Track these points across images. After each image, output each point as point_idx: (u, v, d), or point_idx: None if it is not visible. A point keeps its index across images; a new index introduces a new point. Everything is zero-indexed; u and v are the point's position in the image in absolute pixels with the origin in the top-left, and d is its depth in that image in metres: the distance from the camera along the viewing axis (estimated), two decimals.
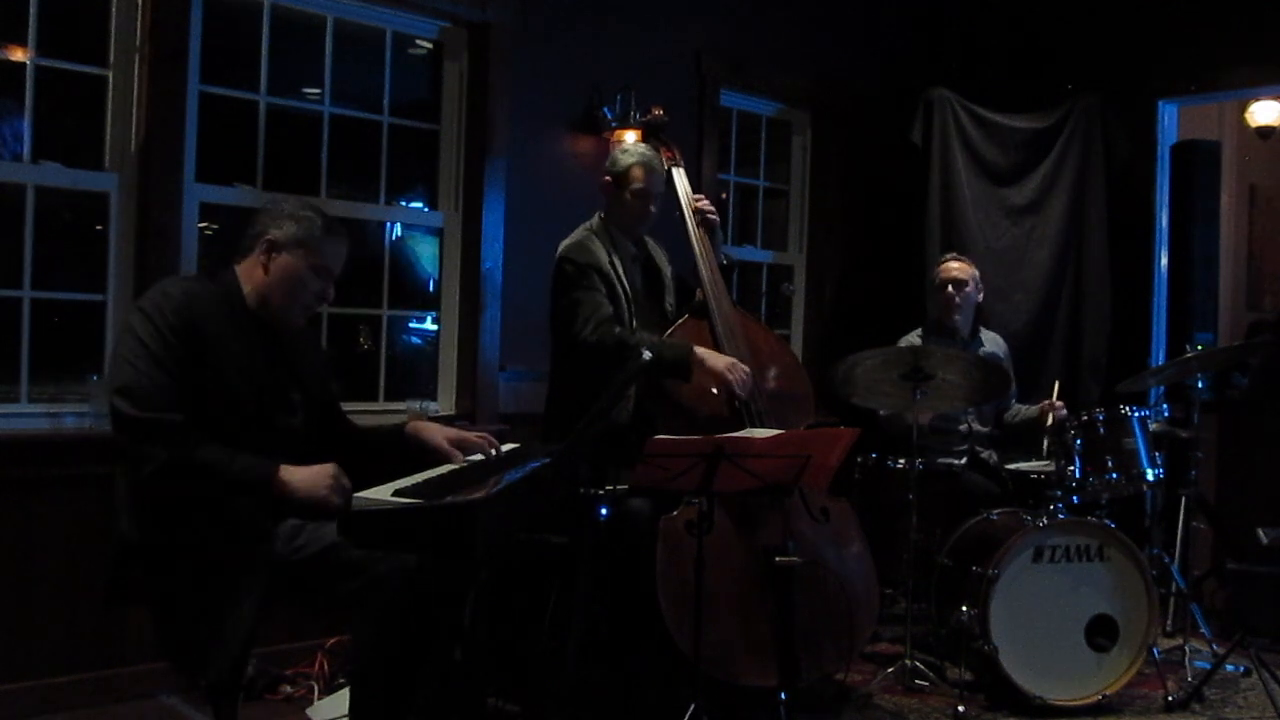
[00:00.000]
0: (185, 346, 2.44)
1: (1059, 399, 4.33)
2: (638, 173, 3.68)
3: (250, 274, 2.62)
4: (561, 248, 3.67)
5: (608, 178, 3.73)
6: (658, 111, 4.10)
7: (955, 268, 4.68)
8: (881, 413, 4.45)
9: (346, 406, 3.02)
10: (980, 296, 4.77)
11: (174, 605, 2.47)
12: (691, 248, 3.84)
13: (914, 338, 4.67)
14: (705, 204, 3.92)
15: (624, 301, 3.64)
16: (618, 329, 3.53)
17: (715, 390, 3.57)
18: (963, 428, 4.58)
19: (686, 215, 3.87)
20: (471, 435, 2.87)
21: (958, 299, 4.62)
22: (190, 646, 2.47)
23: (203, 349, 2.47)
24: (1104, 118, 5.51)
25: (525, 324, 4.34)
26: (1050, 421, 4.19)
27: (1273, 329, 6.06)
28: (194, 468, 2.38)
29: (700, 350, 3.54)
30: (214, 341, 2.49)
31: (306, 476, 2.46)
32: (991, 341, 4.80)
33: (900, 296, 5.65)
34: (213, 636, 2.44)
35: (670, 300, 3.91)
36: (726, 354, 3.61)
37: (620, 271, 3.67)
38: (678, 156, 4.01)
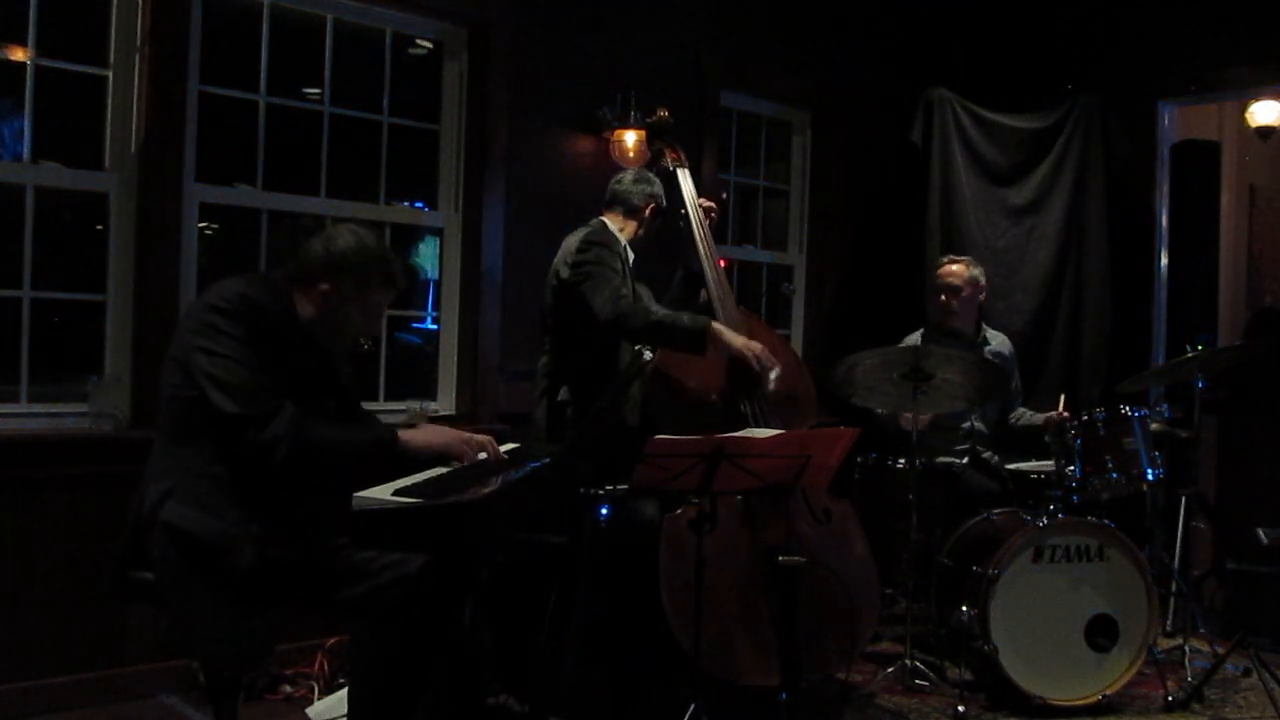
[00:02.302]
0: (264, 350, 2.51)
1: (1066, 410, 4.32)
2: (663, 206, 3.87)
3: (302, 301, 2.66)
4: (581, 235, 3.68)
5: (654, 204, 3.82)
6: (663, 113, 4.08)
7: (953, 271, 4.65)
8: (878, 411, 4.44)
9: None
10: (982, 297, 4.76)
11: (218, 594, 2.46)
12: (696, 249, 3.85)
13: (916, 338, 4.66)
14: (706, 203, 3.96)
15: (632, 288, 3.70)
16: (633, 303, 3.58)
17: (731, 380, 3.58)
18: (966, 425, 4.58)
19: (692, 216, 3.88)
20: (480, 437, 2.88)
21: (954, 304, 4.61)
22: (223, 637, 2.47)
23: (272, 356, 2.53)
24: (1104, 118, 5.50)
25: (525, 323, 4.34)
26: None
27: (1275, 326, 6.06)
28: (318, 443, 2.48)
29: (718, 325, 3.58)
30: (278, 350, 2.55)
31: (426, 436, 2.68)
32: (998, 341, 4.79)
33: (900, 296, 5.64)
34: (250, 628, 2.47)
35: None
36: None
37: (629, 264, 3.73)
38: (683, 158, 4.01)
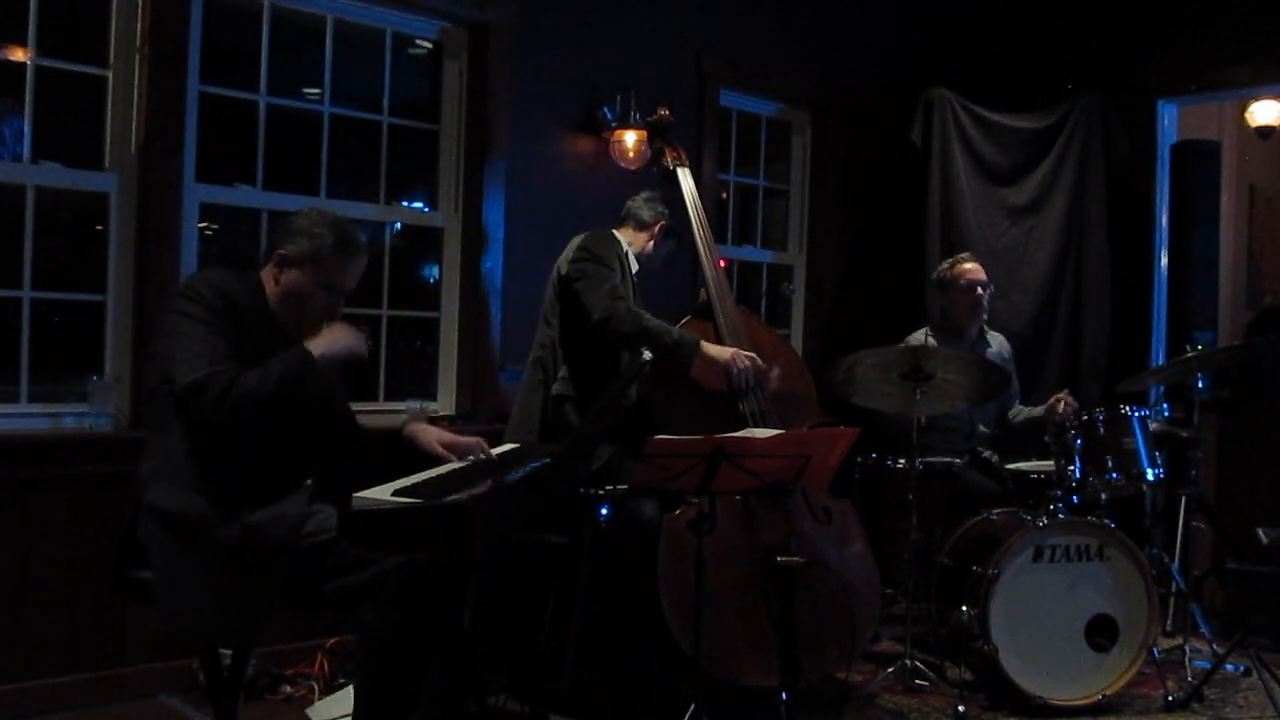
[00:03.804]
0: (225, 323, 2.53)
1: (1068, 397, 4.33)
2: (668, 227, 3.92)
3: (268, 282, 2.71)
4: (580, 239, 3.74)
5: (663, 222, 3.89)
6: (664, 112, 4.11)
7: (977, 268, 4.64)
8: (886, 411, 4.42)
9: None
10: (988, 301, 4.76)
11: (203, 574, 2.46)
12: (696, 247, 3.88)
13: (922, 336, 4.63)
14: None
15: (632, 293, 3.72)
16: (631, 306, 3.60)
17: (719, 382, 3.60)
18: (966, 425, 4.57)
19: (692, 215, 3.91)
20: (464, 439, 2.88)
21: (985, 299, 4.62)
22: (208, 619, 2.47)
23: (236, 332, 2.55)
24: (1104, 118, 5.50)
25: (525, 323, 4.34)
26: (1063, 408, 4.20)
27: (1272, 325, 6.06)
28: (245, 395, 2.45)
29: (706, 344, 3.61)
30: (243, 332, 2.57)
31: (328, 338, 2.60)
32: (997, 343, 4.79)
33: (900, 296, 5.64)
34: (234, 611, 2.47)
35: None
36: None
37: (631, 272, 3.77)
38: (683, 157, 4.04)
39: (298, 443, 2.62)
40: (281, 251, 2.67)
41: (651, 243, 3.89)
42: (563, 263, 3.72)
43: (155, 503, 2.50)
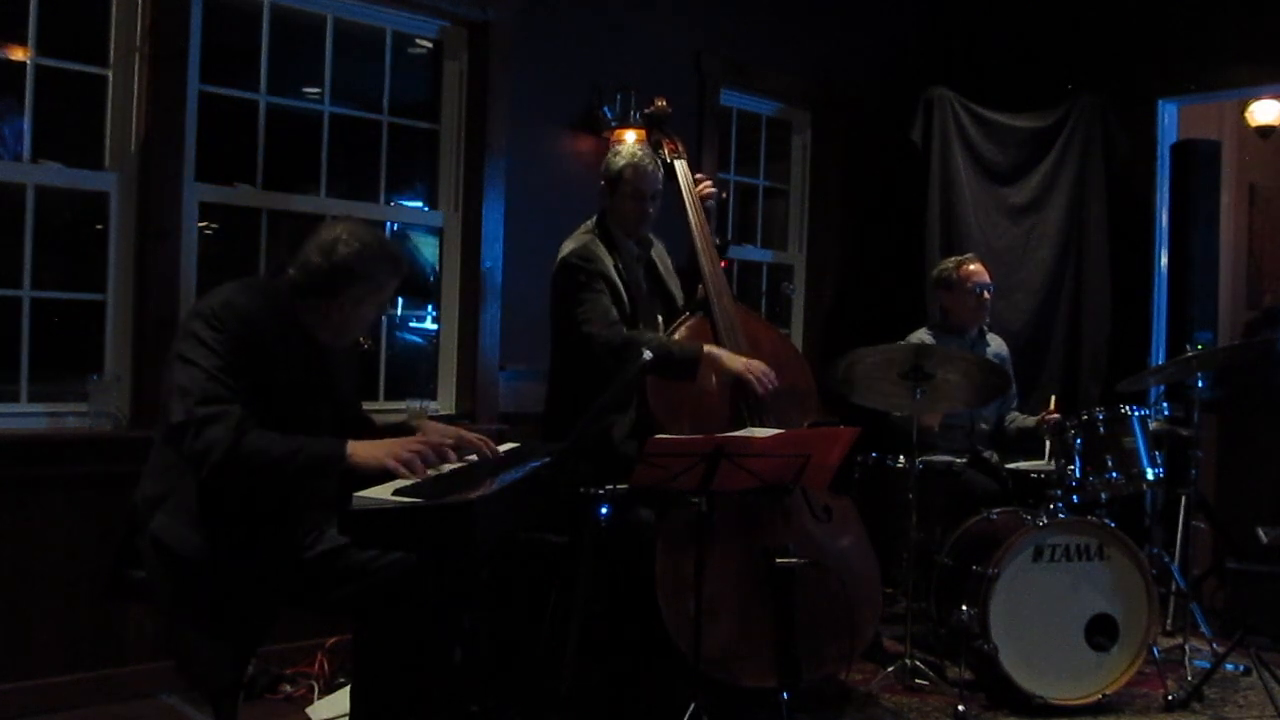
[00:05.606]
0: (246, 358, 2.46)
1: (1055, 410, 4.34)
2: (629, 174, 3.67)
3: (309, 312, 2.61)
4: (565, 251, 3.64)
5: (603, 181, 3.73)
6: (660, 103, 4.06)
7: (981, 269, 4.64)
8: (895, 414, 4.42)
9: None
10: None
11: (202, 612, 2.46)
12: (694, 242, 3.80)
13: (924, 335, 4.64)
14: (706, 188, 3.92)
15: (627, 303, 3.63)
16: (624, 330, 3.53)
17: (730, 386, 3.55)
18: (967, 424, 4.57)
19: (689, 209, 3.84)
20: (471, 435, 2.86)
21: (988, 301, 4.62)
22: (207, 652, 2.48)
23: (258, 364, 2.48)
24: (1104, 117, 5.51)
25: (525, 323, 4.34)
26: (1047, 421, 4.22)
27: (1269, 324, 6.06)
28: (255, 453, 2.36)
29: (712, 349, 3.51)
30: (268, 357, 2.51)
31: (375, 452, 2.47)
32: (997, 344, 4.79)
33: (900, 296, 5.64)
34: (233, 642, 2.48)
35: (679, 295, 3.90)
36: (727, 349, 3.61)
37: (623, 273, 3.65)
38: (680, 149, 3.97)
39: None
40: (337, 303, 2.59)
41: (621, 204, 3.66)
42: (552, 281, 3.65)
43: (159, 534, 2.45)
